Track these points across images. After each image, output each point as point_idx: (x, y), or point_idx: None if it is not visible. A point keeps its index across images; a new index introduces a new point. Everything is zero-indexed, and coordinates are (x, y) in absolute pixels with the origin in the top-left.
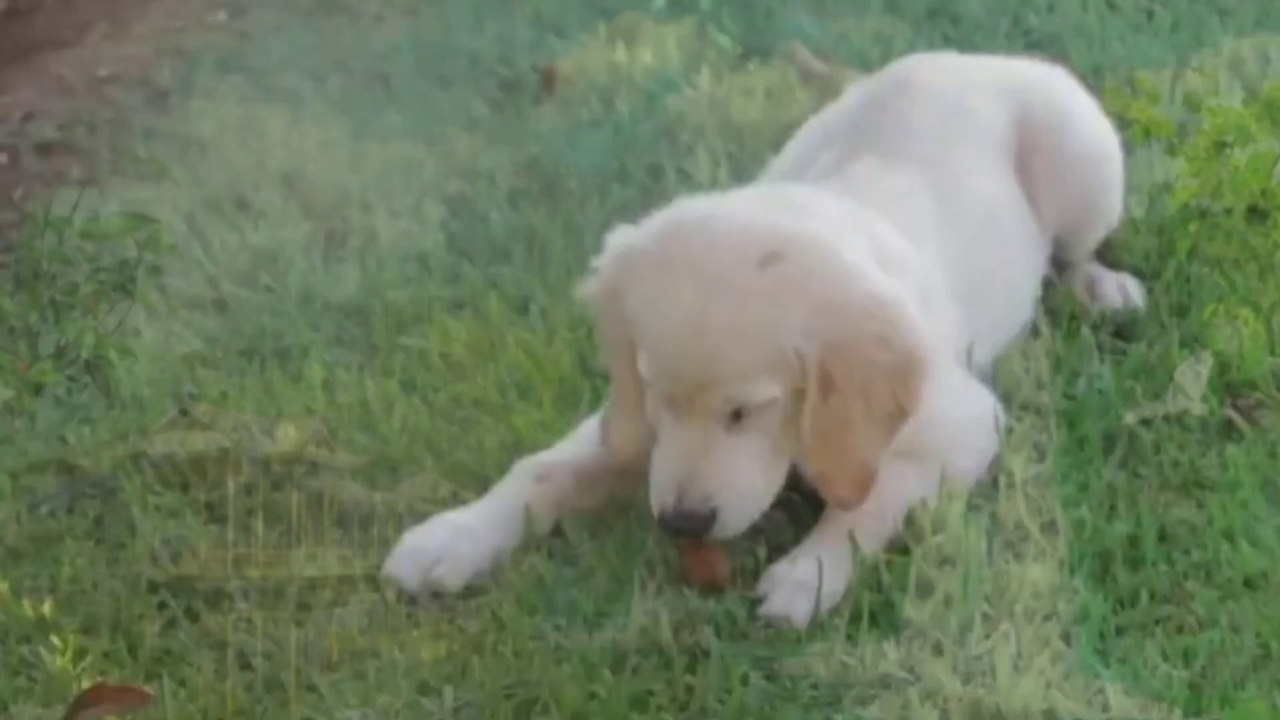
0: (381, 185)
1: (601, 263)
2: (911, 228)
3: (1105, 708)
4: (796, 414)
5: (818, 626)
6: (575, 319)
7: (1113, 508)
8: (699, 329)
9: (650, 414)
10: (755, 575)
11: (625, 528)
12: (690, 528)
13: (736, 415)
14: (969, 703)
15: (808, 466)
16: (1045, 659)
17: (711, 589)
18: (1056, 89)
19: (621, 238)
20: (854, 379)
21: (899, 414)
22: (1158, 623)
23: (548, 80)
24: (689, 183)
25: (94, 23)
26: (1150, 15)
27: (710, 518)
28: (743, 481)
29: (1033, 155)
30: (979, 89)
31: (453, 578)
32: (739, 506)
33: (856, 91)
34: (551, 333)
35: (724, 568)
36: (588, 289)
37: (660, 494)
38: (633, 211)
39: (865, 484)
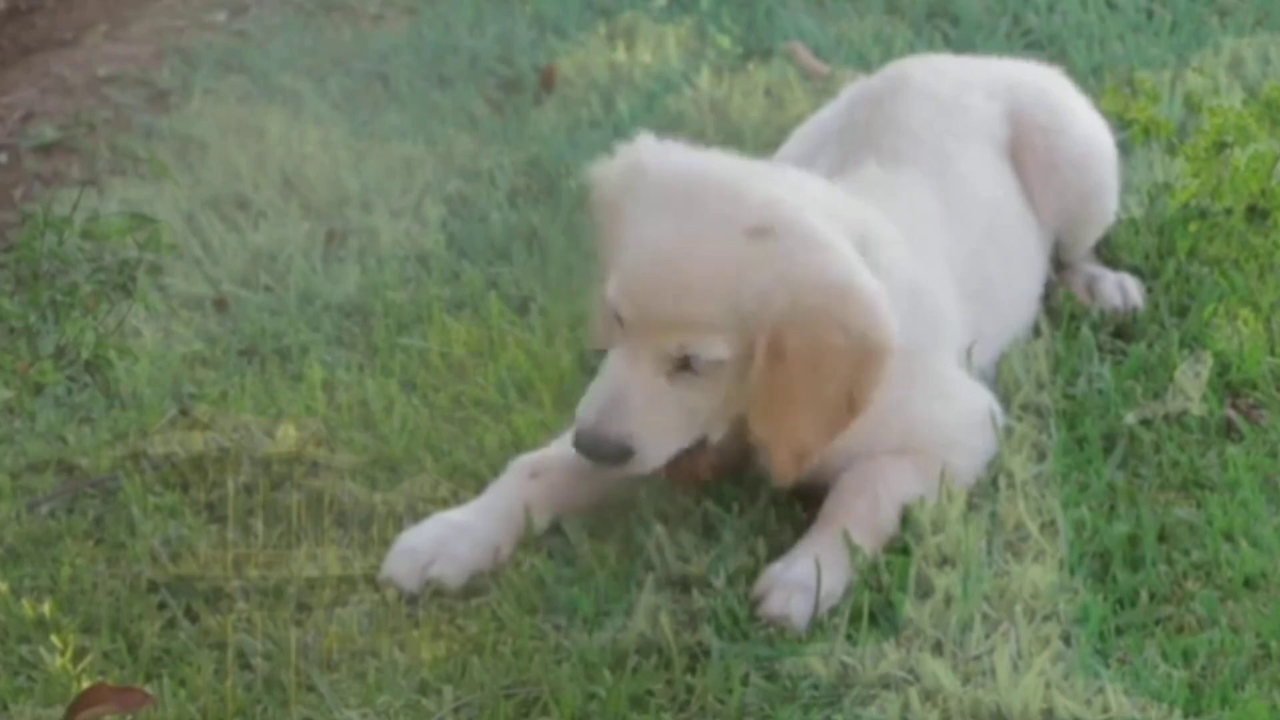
0: (381, 185)
1: (610, 167)
2: (917, 232)
3: (1105, 708)
4: (744, 384)
5: (817, 626)
6: (575, 319)
7: (1113, 508)
8: (673, 271)
9: (605, 333)
10: (755, 575)
11: (625, 527)
12: (601, 453)
13: (684, 364)
14: (969, 703)
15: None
16: (1045, 659)
17: (690, 485)
18: (1050, 89)
19: (636, 150)
20: (804, 355)
21: (848, 405)
22: (1158, 623)
23: (548, 80)
24: None
25: (94, 23)
26: (1150, 15)
27: (625, 451)
28: (665, 430)
29: (1027, 155)
30: (973, 88)
31: (451, 575)
32: (653, 449)
33: (852, 92)
34: (551, 333)
35: (705, 464)
36: (598, 175)
37: (584, 409)
38: None
39: (800, 462)
